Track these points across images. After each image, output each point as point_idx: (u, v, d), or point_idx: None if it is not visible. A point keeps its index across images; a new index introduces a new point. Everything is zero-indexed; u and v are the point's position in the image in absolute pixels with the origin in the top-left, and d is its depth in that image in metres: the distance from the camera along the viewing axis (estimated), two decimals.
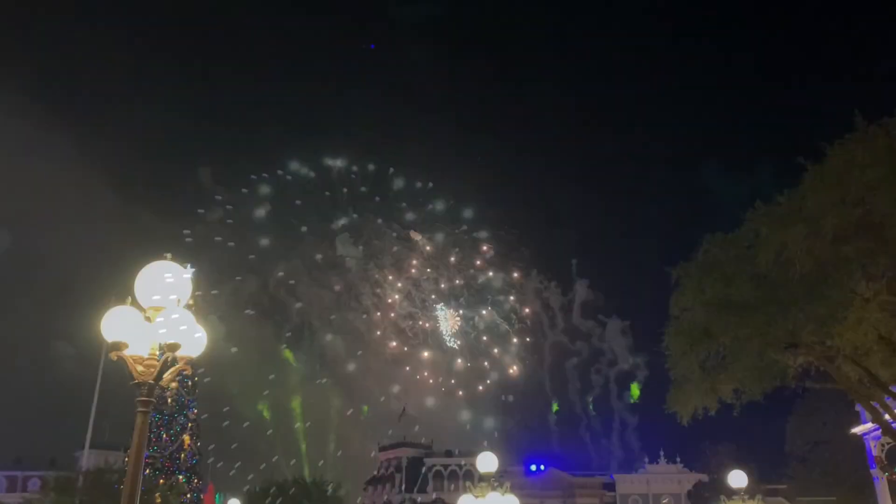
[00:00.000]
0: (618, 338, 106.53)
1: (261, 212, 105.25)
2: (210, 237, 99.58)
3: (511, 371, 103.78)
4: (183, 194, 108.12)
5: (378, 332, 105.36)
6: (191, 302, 6.47)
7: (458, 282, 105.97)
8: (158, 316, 6.30)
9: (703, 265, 18.25)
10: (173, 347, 6.18)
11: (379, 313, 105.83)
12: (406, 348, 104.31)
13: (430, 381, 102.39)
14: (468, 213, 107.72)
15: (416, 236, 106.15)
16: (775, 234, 16.15)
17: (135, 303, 6.39)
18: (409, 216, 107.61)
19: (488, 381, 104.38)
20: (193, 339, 6.48)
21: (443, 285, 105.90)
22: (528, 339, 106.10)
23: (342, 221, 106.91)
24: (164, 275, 6.33)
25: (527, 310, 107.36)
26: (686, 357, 18.17)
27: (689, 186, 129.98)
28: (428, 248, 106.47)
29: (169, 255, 6.53)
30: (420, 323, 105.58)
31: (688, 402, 18.49)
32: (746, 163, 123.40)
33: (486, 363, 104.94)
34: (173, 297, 6.28)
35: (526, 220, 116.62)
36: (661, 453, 73.86)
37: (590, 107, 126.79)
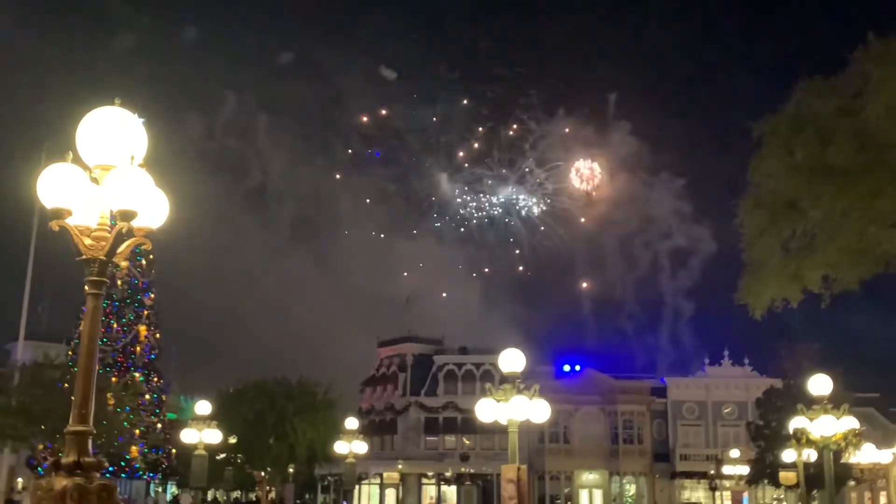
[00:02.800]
0: (670, 202, 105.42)
1: (187, 34, 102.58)
2: (124, 68, 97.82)
3: (535, 247, 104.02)
4: (82, 13, 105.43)
5: (362, 196, 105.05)
6: (141, 163, 6.48)
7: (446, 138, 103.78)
8: (108, 176, 6.34)
9: (795, 119, 17.97)
10: (128, 216, 6.24)
11: (359, 170, 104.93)
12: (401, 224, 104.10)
13: (435, 260, 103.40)
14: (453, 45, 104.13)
15: (391, 74, 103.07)
16: (892, 79, 15.80)
17: (77, 160, 6.41)
18: (377, 48, 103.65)
19: (506, 261, 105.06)
20: (152, 205, 6.54)
21: (432, 139, 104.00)
22: (552, 204, 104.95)
23: (290, 55, 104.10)
24: (113, 125, 6.31)
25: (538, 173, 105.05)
26: (765, 235, 18.26)
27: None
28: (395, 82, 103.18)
29: (118, 101, 6.50)
30: (412, 187, 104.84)
31: (764, 292, 18.72)
32: None
33: (508, 237, 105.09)
34: (126, 153, 6.30)
35: (545, 42, 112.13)
36: (726, 353, 75.66)
37: None
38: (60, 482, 5.82)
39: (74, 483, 5.81)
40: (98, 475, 6.06)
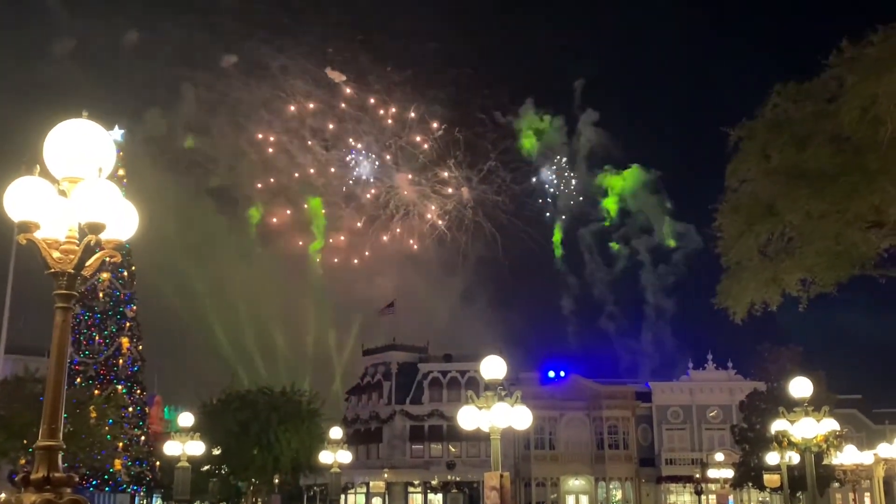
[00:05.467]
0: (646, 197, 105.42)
1: (128, 39, 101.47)
2: (67, 75, 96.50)
3: (509, 248, 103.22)
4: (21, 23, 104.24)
5: (332, 200, 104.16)
6: (122, 172, 6.45)
7: (415, 138, 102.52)
8: (75, 189, 6.30)
9: (771, 123, 18.10)
10: (96, 228, 6.21)
11: (325, 177, 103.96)
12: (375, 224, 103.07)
13: (413, 265, 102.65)
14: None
15: (338, 77, 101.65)
16: (865, 83, 15.90)
17: (45, 173, 6.37)
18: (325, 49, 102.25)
19: (479, 264, 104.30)
20: (121, 217, 6.51)
21: (390, 142, 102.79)
22: (520, 203, 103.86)
23: (234, 57, 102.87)
24: (80, 137, 6.27)
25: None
26: (743, 239, 18.35)
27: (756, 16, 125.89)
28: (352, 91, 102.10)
29: (86, 113, 6.47)
30: (383, 194, 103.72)
31: (743, 295, 18.83)
32: None
33: (482, 238, 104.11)
34: (94, 165, 6.26)
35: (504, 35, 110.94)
36: (709, 357, 76.02)
37: None
38: (29, 498, 5.77)
39: (43, 499, 5.76)
40: (68, 490, 6.01)
